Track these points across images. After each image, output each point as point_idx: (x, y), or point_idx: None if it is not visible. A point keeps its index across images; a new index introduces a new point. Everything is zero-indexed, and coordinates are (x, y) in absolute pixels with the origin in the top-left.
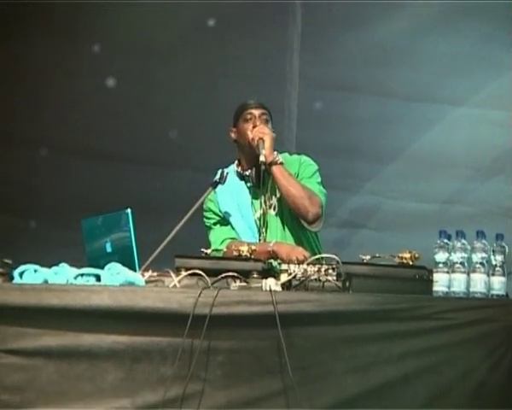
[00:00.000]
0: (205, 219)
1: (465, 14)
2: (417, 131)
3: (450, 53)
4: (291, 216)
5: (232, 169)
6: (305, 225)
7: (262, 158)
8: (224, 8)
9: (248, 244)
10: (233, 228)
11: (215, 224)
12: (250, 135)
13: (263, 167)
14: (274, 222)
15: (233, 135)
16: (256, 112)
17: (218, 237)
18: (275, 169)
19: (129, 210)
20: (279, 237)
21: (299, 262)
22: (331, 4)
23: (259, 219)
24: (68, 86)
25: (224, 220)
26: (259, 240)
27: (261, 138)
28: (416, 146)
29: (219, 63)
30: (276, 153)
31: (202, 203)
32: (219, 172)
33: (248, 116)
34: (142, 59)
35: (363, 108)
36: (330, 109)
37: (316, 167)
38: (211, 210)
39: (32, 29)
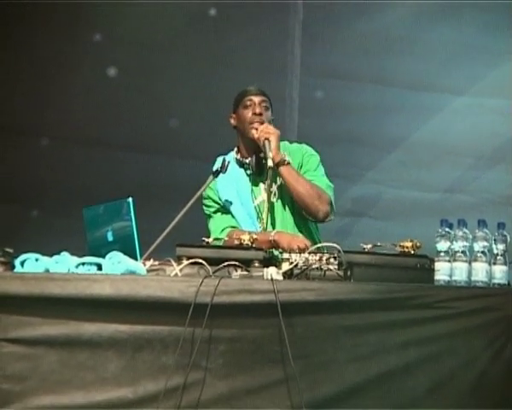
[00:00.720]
0: (204, 207)
1: (465, 4)
2: (418, 119)
3: (450, 42)
4: (291, 204)
5: (232, 156)
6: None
7: (270, 163)
8: None
9: (249, 233)
10: (233, 216)
11: (215, 212)
12: (255, 134)
13: (267, 168)
14: (275, 209)
15: (233, 121)
16: (256, 99)
17: (219, 226)
18: (283, 170)
19: (130, 199)
20: (279, 224)
21: (301, 251)
22: None
23: (259, 206)
24: (69, 76)
25: (224, 208)
26: (261, 227)
27: (267, 138)
28: (418, 135)
29: (220, 52)
30: (282, 152)
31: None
32: (220, 160)
33: (248, 102)
34: (143, 48)
35: (365, 96)
36: (332, 98)
37: (318, 158)
38: (210, 198)
39: (33, 19)
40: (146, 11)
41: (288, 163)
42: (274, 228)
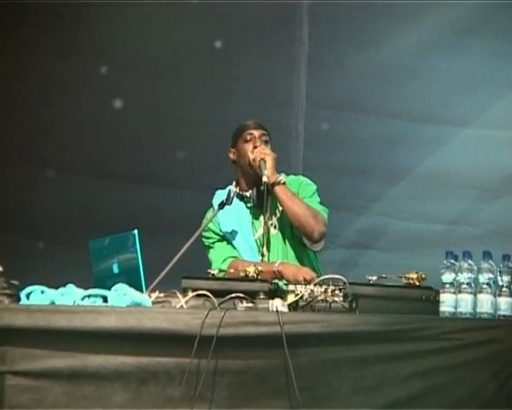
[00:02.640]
0: (204, 239)
1: (471, 33)
2: (424, 151)
3: (456, 72)
4: (292, 235)
5: (230, 190)
6: (308, 244)
7: (265, 178)
8: (230, 28)
9: (255, 265)
10: (234, 247)
11: (214, 242)
12: (251, 156)
13: (263, 188)
14: (275, 241)
15: (232, 155)
16: (256, 132)
17: (220, 256)
18: (278, 189)
19: (136, 231)
20: (280, 256)
21: (307, 282)
22: (338, 25)
23: (260, 239)
24: (75, 107)
25: (224, 239)
26: (261, 260)
27: (263, 159)
28: (423, 167)
29: (226, 84)
30: (278, 174)
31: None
32: (219, 193)
33: (248, 137)
34: (149, 80)
35: (370, 128)
36: (337, 130)
37: (315, 187)
38: (210, 230)
39: (40, 50)
40: (152, 43)
41: (284, 183)
42: (276, 259)
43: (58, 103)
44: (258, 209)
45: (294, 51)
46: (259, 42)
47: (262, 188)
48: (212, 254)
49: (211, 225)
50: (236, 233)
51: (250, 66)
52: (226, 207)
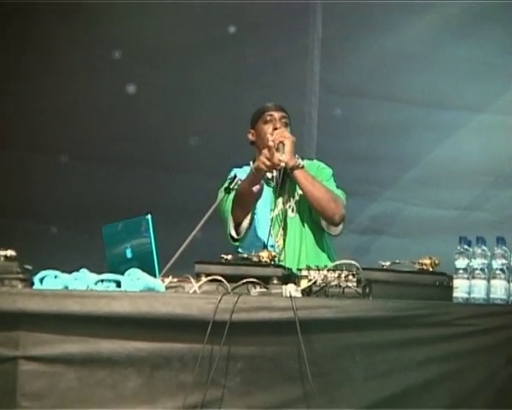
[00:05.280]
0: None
1: (484, 20)
2: (437, 137)
3: (469, 59)
4: (310, 218)
5: (248, 169)
6: (327, 228)
7: (282, 163)
8: (244, 14)
9: (269, 250)
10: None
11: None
12: (270, 138)
13: (282, 171)
14: (293, 224)
15: (251, 136)
16: (276, 114)
17: None
18: (297, 173)
19: (149, 216)
20: (297, 239)
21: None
22: (351, 11)
23: (274, 219)
24: (89, 93)
25: None
26: (268, 239)
27: (281, 142)
28: (436, 153)
29: (239, 70)
30: (297, 156)
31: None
32: (232, 174)
33: (268, 118)
34: (163, 66)
35: (383, 114)
36: (351, 116)
37: (331, 171)
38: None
39: (53, 36)
40: (165, 28)
41: (303, 167)
42: (293, 242)
43: (71, 89)
44: (276, 190)
45: (308, 37)
46: (273, 28)
47: (281, 172)
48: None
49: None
50: (254, 212)
51: (264, 52)
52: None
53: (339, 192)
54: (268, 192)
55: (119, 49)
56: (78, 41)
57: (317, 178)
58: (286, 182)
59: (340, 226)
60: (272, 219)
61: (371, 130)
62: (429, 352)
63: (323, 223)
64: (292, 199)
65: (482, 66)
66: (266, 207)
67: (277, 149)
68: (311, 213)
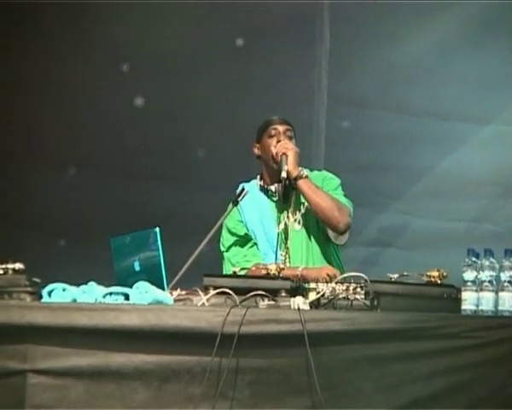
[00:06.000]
0: (227, 236)
1: (491, 32)
2: (445, 149)
3: (476, 70)
4: (316, 231)
5: (255, 183)
6: (333, 238)
7: (284, 174)
8: (252, 26)
9: (277, 263)
10: (256, 244)
11: (236, 243)
12: (274, 150)
13: (286, 183)
14: (299, 237)
15: (256, 150)
16: (281, 127)
17: (246, 260)
18: (301, 183)
19: (157, 229)
20: (304, 252)
21: (330, 278)
22: (359, 22)
23: (279, 234)
24: (96, 106)
25: (245, 240)
26: (276, 254)
27: (284, 153)
28: (444, 164)
29: (247, 82)
30: (301, 168)
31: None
32: (240, 186)
33: (273, 132)
34: (171, 78)
35: (391, 126)
36: (358, 127)
37: (339, 181)
38: (235, 228)
39: (62, 49)
40: (173, 41)
41: (306, 176)
42: (299, 256)
43: (79, 102)
44: (282, 204)
45: (316, 49)
46: (281, 40)
47: (283, 183)
48: (234, 258)
49: (234, 228)
50: (259, 227)
51: (272, 64)
52: (249, 201)
53: (345, 201)
54: (271, 207)
55: (127, 62)
56: (86, 54)
57: (324, 188)
58: (291, 195)
59: (346, 235)
60: (278, 234)
61: (379, 141)
62: (437, 364)
63: (330, 233)
64: (298, 212)
65: (489, 77)
66: (270, 222)
67: (280, 161)
68: (317, 226)
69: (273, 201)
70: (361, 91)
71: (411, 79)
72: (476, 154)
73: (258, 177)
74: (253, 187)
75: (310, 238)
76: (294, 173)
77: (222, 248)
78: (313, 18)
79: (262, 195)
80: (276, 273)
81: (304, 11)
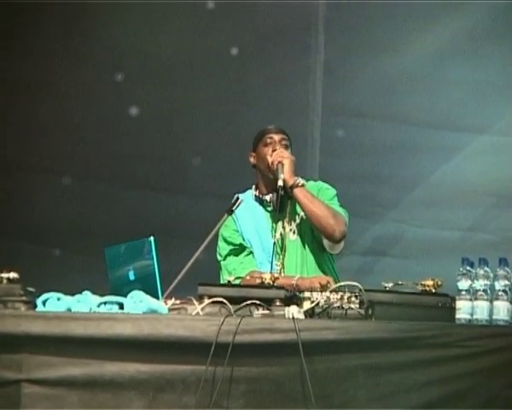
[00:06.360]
0: (223, 245)
1: (487, 40)
2: (440, 158)
3: (472, 80)
4: (311, 241)
5: (250, 193)
6: (328, 247)
7: (280, 183)
8: (246, 36)
9: (271, 272)
10: (252, 252)
11: (232, 252)
12: (269, 159)
13: (281, 192)
14: (294, 247)
15: (252, 159)
16: (276, 136)
17: (243, 268)
18: (297, 192)
19: (152, 238)
20: (299, 262)
21: (323, 287)
22: (354, 31)
23: (275, 244)
24: (91, 114)
25: (241, 249)
26: (271, 264)
27: (280, 162)
28: (439, 174)
29: (242, 91)
30: (296, 177)
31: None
32: (235, 197)
33: (268, 140)
34: (165, 87)
35: (386, 135)
36: (353, 137)
37: (335, 191)
38: (231, 237)
39: (56, 58)
40: (167, 50)
41: (303, 185)
42: (294, 266)
43: (74, 111)
44: (276, 214)
45: (310, 59)
46: (275, 49)
47: (279, 192)
48: (231, 265)
49: (232, 234)
50: (254, 236)
51: (266, 73)
52: (245, 210)
53: (340, 210)
54: (266, 216)
55: (122, 71)
56: (80, 63)
57: (320, 197)
58: (286, 205)
59: (342, 244)
60: (274, 244)
61: (374, 151)
62: (432, 373)
63: (325, 242)
64: (293, 222)
65: (485, 86)
66: (265, 231)
67: (276, 170)
68: (313, 235)
69: (268, 211)
70: (356, 101)
71: (406, 88)
72: (471, 163)
73: (254, 186)
74: (248, 197)
75: (305, 248)
76: (290, 182)
77: (219, 258)
78: (308, 28)
79: (257, 205)
80: (271, 283)
81: (298, 21)
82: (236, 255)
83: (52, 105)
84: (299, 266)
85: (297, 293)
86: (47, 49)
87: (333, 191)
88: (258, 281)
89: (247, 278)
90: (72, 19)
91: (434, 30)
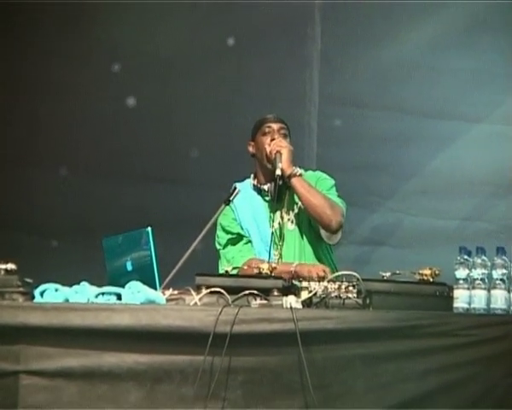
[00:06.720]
0: (222, 234)
1: (483, 30)
2: (437, 147)
3: (468, 69)
4: (309, 230)
5: (249, 183)
6: (326, 237)
7: (278, 172)
8: (243, 26)
9: (269, 262)
10: (250, 241)
11: (231, 241)
12: (268, 148)
13: (279, 181)
14: (292, 236)
15: (251, 149)
16: (275, 126)
17: (241, 256)
18: (294, 181)
19: (149, 229)
20: (297, 251)
21: (320, 279)
22: (351, 21)
23: (273, 233)
24: (89, 106)
25: (240, 237)
26: (269, 253)
27: (278, 151)
28: (436, 163)
29: (239, 81)
30: (294, 166)
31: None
32: (233, 187)
33: (267, 130)
34: (162, 78)
35: (383, 125)
36: (350, 126)
37: (333, 181)
38: (230, 227)
39: (53, 50)
40: (164, 41)
41: (300, 175)
42: (292, 255)
43: (71, 102)
44: (275, 203)
45: (307, 49)
46: (272, 40)
47: (278, 181)
48: (229, 253)
49: (231, 223)
50: (253, 225)
51: (263, 63)
52: (243, 199)
53: (338, 201)
54: (264, 206)
55: (119, 62)
56: (77, 54)
57: (318, 188)
58: (284, 194)
59: (339, 235)
60: (272, 234)
61: (371, 140)
62: (430, 362)
63: (322, 232)
64: (291, 212)
65: (482, 75)
66: (264, 221)
67: (274, 159)
68: (310, 225)
69: (266, 200)
70: (353, 91)
71: (403, 78)
72: (468, 152)
73: (252, 176)
74: (246, 186)
75: (303, 238)
76: (288, 171)
77: (218, 247)
78: (305, 18)
79: (255, 194)
80: (269, 272)
81: (295, 11)
82: (235, 244)
83: (49, 96)
84: (297, 255)
85: (295, 281)
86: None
87: (331, 181)
88: (255, 271)
89: (245, 267)
90: (68, 11)
91: (431, 19)
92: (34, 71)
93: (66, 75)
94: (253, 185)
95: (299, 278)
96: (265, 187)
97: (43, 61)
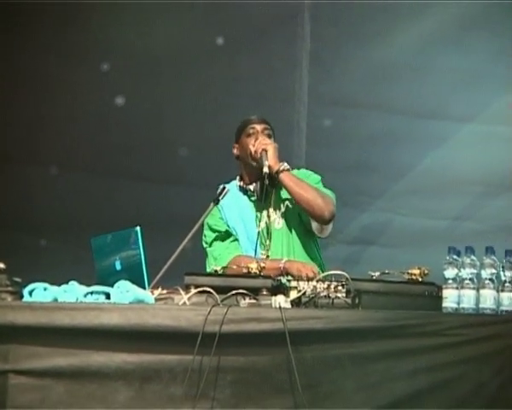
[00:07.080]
0: (209, 233)
1: (474, 30)
2: (427, 147)
3: (458, 69)
4: (298, 229)
5: (234, 184)
6: (317, 230)
7: (265, 169)
8: (232, 25)
9: (257, 261)
10: (237, 239)
11: (218, 239)
12: (253, 148)
13: (266, 181)
14: (279, 236)
15: (236, 151)
16: (258, 127)
17: (228, 253)
18: (283, 176)
19: (138, 228)
20: (285, 250)
21: (309, 279)
22: (340, 21)
23: (263, 231)
24: (78, 105)
25: (227, 237)
26: (255, 252)
27: (264, 149)
28: (426, 163)
29: (228, 81)
30: (281, 162)
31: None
32: (220, 187)
33: (251, 131)
34: (152, 77)
35: (373, 124)
36: (340, 126)
37: (319, 177)
38: (216, 225)
39: (42, 49)
40: (153, 40)
41: (288, 170)
42: (280, 254)
43: (60, 101)
44: (261, 203)
45: (296, 49)
46: (261, 39)
47: (264, 179)
48: (216, 251)
49: (217, 222)
50: (240, 226)
51: (252, 63)
52: (229, 201)
53: (327, 192)
54: (250, 206)
55: (108, 61)
56: (66, 53)
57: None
58: (271, 193)
59: (330, 226)
60: (259, 233)
61: (361, 140)
62: (419, 362)
63: (314, 225)
64: (278, 211)
65: (472, 75)
66: (251, 221)
67: (260, 157)
68: (299, 222)
69: (252, 200)
70: (342, 91)
71: (393, 77)
72: (458, 152)
73: (238, 177)
74: (232, 187)
75: (291, 236)
76: (276, 167)
77: (205, 245)
78: (294, 17)
79: (241, 195)
80: (258, 272)
81: (284, 10)
82: (222, 241)
83: (38, 95)
84: (286, 254)
85: (284, 278)
86: (32, 41)
87: (317, 177)
88: (244, 270)
89: (234, 267)
90: (57, 11)
91: (421, 19)
92: (22, 69)
93: (54, 73)
94: (239, 186)
95: (288, 274)
96: (251, 187)
97: (32, 60)
